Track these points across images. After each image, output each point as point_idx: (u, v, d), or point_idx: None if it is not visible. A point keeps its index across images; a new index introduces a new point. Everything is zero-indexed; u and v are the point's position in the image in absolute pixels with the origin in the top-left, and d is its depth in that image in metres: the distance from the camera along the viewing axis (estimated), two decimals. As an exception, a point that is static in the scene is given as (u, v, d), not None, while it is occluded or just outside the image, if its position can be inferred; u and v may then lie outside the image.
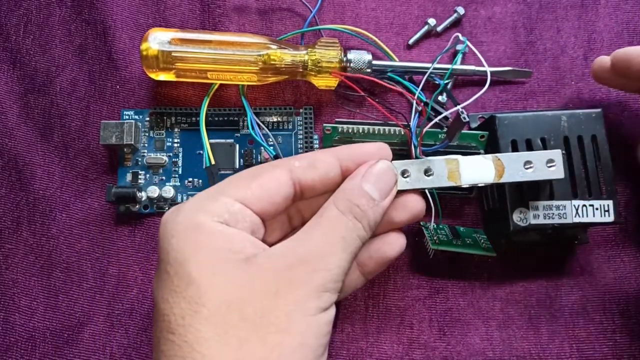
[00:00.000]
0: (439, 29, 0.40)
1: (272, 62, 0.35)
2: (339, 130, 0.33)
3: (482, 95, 0.38)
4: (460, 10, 0.40)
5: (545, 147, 0.33)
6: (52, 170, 0.38)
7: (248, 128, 0.37)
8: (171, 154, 0.38)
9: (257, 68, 0.35)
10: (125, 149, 0.37)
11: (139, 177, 0.37)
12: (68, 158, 0.38)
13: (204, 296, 0.23)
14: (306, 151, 0.37)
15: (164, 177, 0.38)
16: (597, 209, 0.32)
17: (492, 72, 0.38)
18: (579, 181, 0.33)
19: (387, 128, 0.33)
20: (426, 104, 0.37)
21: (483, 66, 0.37)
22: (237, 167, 0.38)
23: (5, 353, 0.35)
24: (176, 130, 0.38)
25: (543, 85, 0.39)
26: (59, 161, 0.38)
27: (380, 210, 0.28)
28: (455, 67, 0.38)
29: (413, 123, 0.32)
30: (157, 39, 0.35)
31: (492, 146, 0.34)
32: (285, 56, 0.36)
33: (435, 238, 0.34)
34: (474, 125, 0.38)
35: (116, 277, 0.36)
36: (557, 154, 0.30)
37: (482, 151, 0.34)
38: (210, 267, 0.24)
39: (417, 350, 0.35)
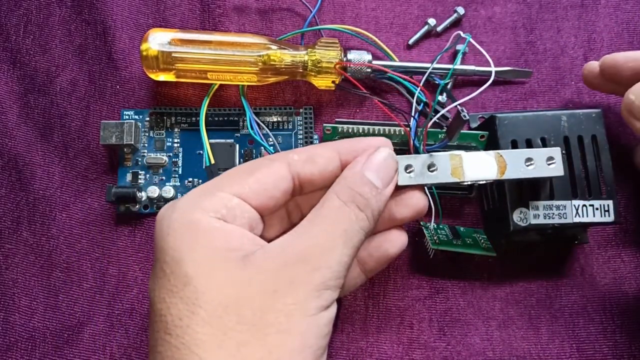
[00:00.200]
0: (439, 29, 0.40)
1: (272, 63, 0.35)
2: (339, 130, 0.33)
3: (482, 95, 0.39)
4: (460, 10, 0.40)
5: (545, 147, 0.33)
6: (52, 170, 0.38)
7: (248, 128, 0.37)
8: (171, 154, 0.38)
9: (257, 68, 0.35)
10: (125, 149, 0.37)
11: (139, 177, 0.37)
12: (68, 158, 0.38)
13: (201, 297, 0.23)
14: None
15: (164, 177, 0.38)
16: (597, 209, 0.32)
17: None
18: (579, 181, 0.33)
19: (387, 128, 0.33)
20: (426, 104, 0.37)
21: (485, 65, 0.37)
22: (237, 167, 0.38)
23: (5, 353, 0.35)
24: (176, 130, 0.38)
25: (543, 85, 0.39)
26: (59, 161, 0.38)
27: (383, 199, 0.27)
28: (455, 67, 0.38)
29: (413, 123, 0.32)
30: (157, 39, 0.35)
31: (492, 146, 0.34)
32: (285, 56, 0.36)
33: (435, 238, 0.34)
34: (474, 125, 0.38)
35: (116, 277, 0.36)
36: (556, 152, 0.30)
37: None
38: (208, 266, 0.23)
39: (417, 350, 0.35)
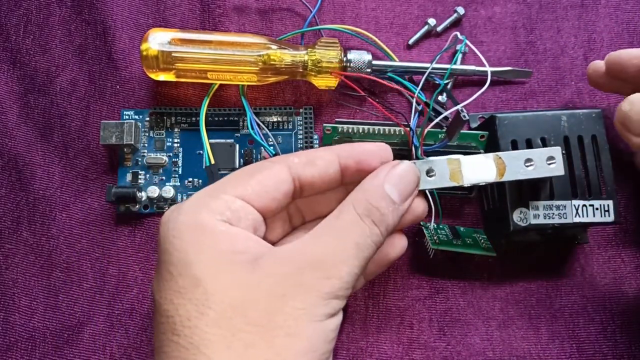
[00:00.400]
0: (439, 29, 0.40)
1: (272, 62, 0.35)
2: (339, 130, 0.33)
3: (482, 95, 0.39)
4: (460, 10, 0.40)
5: (545, 147, 0.33)
6: (52, 170, 0.38)
7: (248, 128, 0.37)
8: (171, 154, 0.38)
9: (257, 68, 0.35)
10: (125, 149, 0.37)
11: (139, 177, 0.37)
12: (68, 158, 0.38)
13: (211, 298, 0.23)
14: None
15: (164, 177, 0.38)
16: (597, 209, 0.32)
17: (492, 72, 0.38)
18: (579, 181, 0.33)
19: (387, 128, 0.33)
20: (427, 103, 0.37)
21: (483, 66, 0.37)
22: (237, 167, 0.38)
23: (5, 353, 0.35)
24: (176, 130, 0.38)
25: (543, 85, 0.39)
26: (59, 161, 0.38)
27: (399, 214, 0.27)
28: (454, 67, 0.38)
29: (413, 123, 0.32)
30: (157, 39, 0.35)
31: (492, 146, 0.34)
32: (285, 56, 0.36)
33: (435, 238, 0.34)
34: (474, 125, 0.38)
35: (116, 277, 0.36)
36: (556, 151, 0.30)
37: (482, 151, 0.34)
38: (216, 268, 0.23)
39: (417, 350, 0.35)
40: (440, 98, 0.38)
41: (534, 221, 0.32)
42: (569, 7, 0.41)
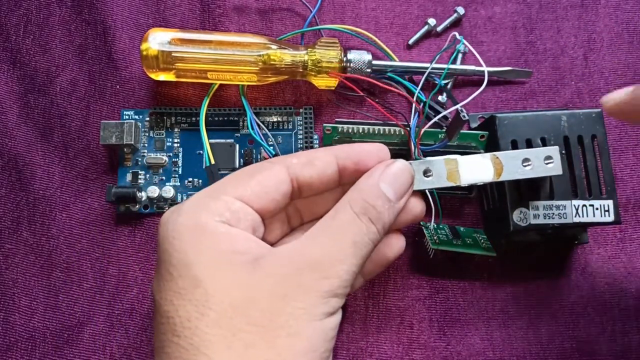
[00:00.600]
0: (439, 29, 0.40)
1: (272, 62, 0.35)
2: (339, 130, 0.33)
3: (482, 95, 0.39)
4: (460, 10, 0.40)
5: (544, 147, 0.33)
6: (52, 170, 0.38)
7: (248, 128, 0.37)
8: (171, 154, 0.38)
9: (257, 68, 0.35)
10: (125, 149, 0.37)
11: (139, 177, 0.37)
12: (68, 158, 0.38)
13: (211, 299, 0.23)
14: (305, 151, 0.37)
15: (164, 177, 0.38)
16: (597, 209, 0.32)
17: (492, 72, 0.38)
18: (579, 181, 0.33)
19: (387, 128, 0.33)
20: (425, 103, 0.37)
21: (486, 64, 0.37)
22: (237, 167, 0.38)
23: (5, 353, 0.35)
24: (176, 130, 0.38)
25: (543, 85, 0.39)
26: (59, 161, 0.38)
27: (395, 212, 0.27)
28: (453, 66, 0.38)
29: (413, 123, 0.32)
30: (157, 39, 0.35)
31: (492, 146, 0.34)
32: (285, 56, 0.36)
33: (435, 238, 0.34)
34: (473, 125, 0.38)
35: (116, 277, 0.36)
36: (554, 151, 0.30)
37: (482, 151, 0.34)
38: (216, 269, 0.24)
39: (417, 350, 0.35)
40: (440, 98, 0.38)
41: (534, 221, 0.32)
42: (569, 7, 0.41)
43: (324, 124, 0.33)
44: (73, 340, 0.35)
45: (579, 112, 0.33)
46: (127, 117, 0.38)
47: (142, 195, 0.37)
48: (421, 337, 0.35)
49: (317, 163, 0.27)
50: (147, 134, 0.38)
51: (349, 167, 0.28)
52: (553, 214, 0.32)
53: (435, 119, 0.33)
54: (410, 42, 0.40)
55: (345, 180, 0.28)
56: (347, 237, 0.25)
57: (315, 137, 0.38)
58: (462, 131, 0.33)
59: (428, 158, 0.30)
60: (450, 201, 0.38)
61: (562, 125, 0.33)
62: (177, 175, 0.38)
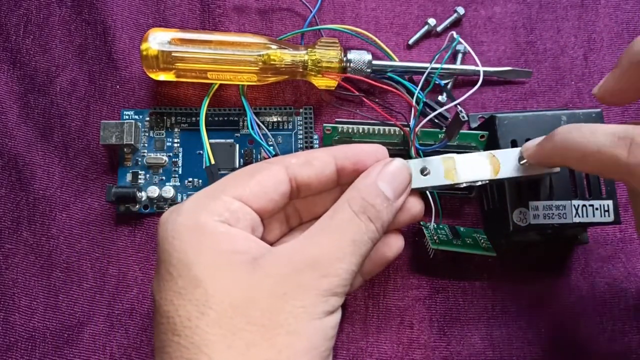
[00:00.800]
0: (439, 29, 0.40)
1: (272, 62, 0.35)
2: (339, 130, 0.33)
3: (482, 95, 0.39)
4: (460, 10, 0.40)
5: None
6: (52, 170, 0.38)
7: (248, 128, 0.37)
8: (171, 154, 0.38)
9: (257, 68, 0.35)
10: (125, 149, 0.37)
11: (139, 177, 0.37)
12: (68, 158, 0.38)
13: (211, 299, 0.23)
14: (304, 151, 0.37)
15: (164, 177, 0.38)
16: (597, 209, 0.32)
17: (492, 72, 0.38)
18: (579, 181, 0.33)
19: (386, 128, 0.33)
20: (424, 103, 0.37)
21: (487, 64, 0.37)
22: (237, 167, 0.38)
23: (5, 353, 0.35)
24: (176, 130, 0.38)
25: (543, 85, 0.39)
26: (59, 161, 0.38)
27: (393, 211, 0.27)
28: (450, 66, 0.38)
29: (412, 123, 0.32)
30: (157, 39, 0.35)
31: (492, 146, 0.34)
32: (285, 56, 0.36)
33: (435, 238, 0.34)
34: (474, 125, 0.38)
35: (116, 277, 0.36)
36: None
37: (481, 150, 0.34)
38: (216, 268, 0.24)
39: (417, 350, 0.35)
40: (440, 98, 0.38)
41: (533, 221, 0.32)
42: (569, 7, 0.41)
43: (324, 124, 0.33)
44: (73, 340, 0.35)
45: (579, 112, 0.33)
46: (127, 117, 0.38)
47: (142, 195, 0.37)
48: (421, 337, 0.35)
49: (315, 163, 0.28)
50: (147, 134, 0.38)
51: (347, 167, 0.28)
52: (553, 214, 0.32)
53: (431, 116, 0.33)
54: (410, 42, 0.40)
55: (343, 180, 0.28)
56: (346, 235, 0.25)
57: (315, 137, 0.38)
58: (462, 131, 0.33)
59: (425, 157, 0.30)
60: (450, 201, 0.38)
61: (562, 125, 0.33)
62: (177, 175, 0.38)
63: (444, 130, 0.34)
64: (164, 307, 0.24)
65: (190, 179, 0.38)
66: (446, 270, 0.37)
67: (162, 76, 0.36)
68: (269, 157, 0.36)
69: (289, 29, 0.40)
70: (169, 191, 0.37)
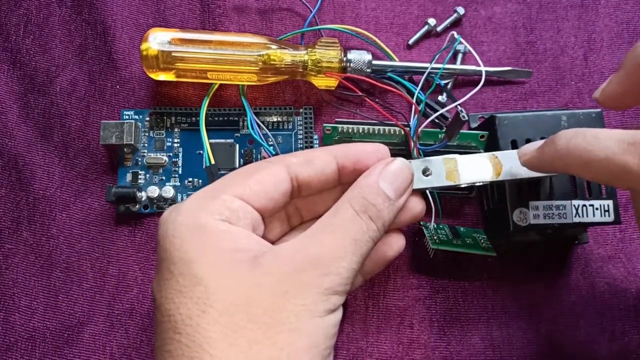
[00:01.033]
0: (439, 29, 0.40)
1: (272, 62, 0.35)
2: (339, 130, 0.33)
3: (482, 95, 0.39)
4: (460, 10, 0.40)
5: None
6: (52, 170, 0.38)
7: (248, 128, 0.37)
8: (171, 154, 0.38)
9: (257, 68, 0.35)
10: (125, 149, 0.37)
11: (139, 177, 0.37)
12: (68, 158, 0.38)
13: (212, 297, 0.23)
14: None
15: (164, 177, 0.38)
16: (597, 209, 0.32)
17: (492, 72, 0.38)
18: (579, 181, 0.33)
19: (387, 128, 0.33)
20: (424, 103, 0.37)
21: (487, 64, 0.37)
22: (237, 167, 0.38)
23: (5, 353, 0.35)
24: (176, 130, 0.38)
25: (543, 85, 0.39)
26: (59, 161, 0.38)
27: (395, 210, 0.27)
28: (451, 66, 0.38)
29: (413, 123, 0.32)
30: (157, 39, 0.35)
31: (492, 146, 0.34)
32: (285, 56, 0.36)
33: (435, 238, 0.34)
34: (474, 125, 0.38)
35: (116, 277, 0.36)
36: None
37: (482, 151, 0.34)
38: (217, 267, 0.24)
39: (417, 350, 0.35)
40: (440, 98, 0.38)
41: (533, 221, 0.32)
42: (569, 7, 0.41)
43: (324, 124, 0.33)
44: (73, 340, 0.35)
45: (579, 112, 0.33)
46: (127, 117, 0.38)
47: (142, 195, 0.37)
48: (421, 337, 0.35)
49: (316, 162, 0.28)
50: (147, 134, 0.38)
51: (348, 167, 0.28)
52: (553, 214, 0.32)
53: (433, 117, 0.33)
54: (410, 42, 0.40)
55: (344, 180, 0.28)
56: (348, 234, 0.25)
57: (315, 137, 0.38)
58: (462, 131, 0.33)
59: (427, 157, 0.30)
60: (450, 201, 0.38)
61: (562, 125, 0.33)
62: (177, 175, 0.38)
63: (444, 130, 0.34)
64: (164, 305, 0.24)
65: (190, 179, 0.38)
66: (446, 270, 0.37)
67: (162, 76, 0.36)
68: (270, 157, 0.36)
69: (289, 29, 0.40)
70: (169, 191, 0.37)
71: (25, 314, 0.36)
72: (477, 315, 0.36)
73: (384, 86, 0.36)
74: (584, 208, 0.32)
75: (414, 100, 0.36)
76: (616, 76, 0.26)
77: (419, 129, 0.32)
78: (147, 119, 0.38)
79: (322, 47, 0.36)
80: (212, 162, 0.37)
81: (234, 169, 0.37)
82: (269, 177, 0.27)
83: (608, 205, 0.32)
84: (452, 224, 0.36)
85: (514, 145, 0.33)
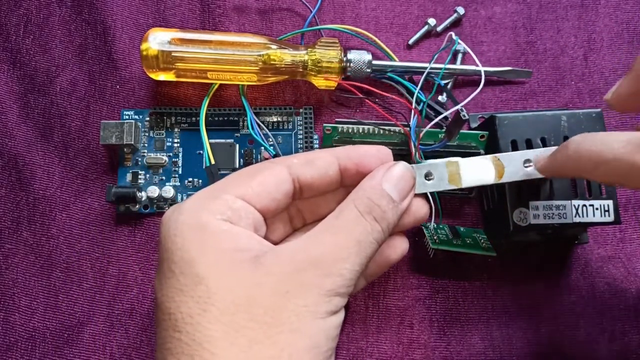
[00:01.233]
0: (439, 29, 0.40)
1: (272, 62, 0.35)
2: (339, 130, 0.33)
3: (482, 95, 0.39)
4: (460, 10, 0.40)
5: (545, 147, 0.33)
6: (52, 170, 0.38)
7: (248, 128, 0.37)
8: (171, 154, 0.38)
9: (257, 68, 0.35)
10: (125, 149, 0.37)
11: (139, 177, 0.37)
12: (68, 158, 0.38)
13: (213, 296, 0.23)
14: (306, 151, 0.37)
15: (164, 177, 0.38)
16: (597, 208, 0.32)
17: (492, 72, 0.38)
18: (579, 181, 0.33)
19: (387, 128, 0.33)
20: (424, 103, 0.37)
21: (487, 64, 0.37)
22: (237, 167, 0.38)
23: (5, 353, 0.35)
24: (176, 130, 0.38)
25: (543, 85, 0.39)
26: (59, 161, 0.38)
27: (398, 213, 0.27)
28: (451, 66, 0.38)
29: (413, 123, 0.32)
30: (157, 39, 0.35)
31: (492, 146, 0.34)
32: (285, 56, 0.36)
33: (435, 238, 0.34)
34: (474, 125, 0.38)
35: (116, 277, 0.36)
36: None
37: (482, 151, 0.34)
38: (218, 266, 0.24)
39: (417, 350, 0.35)
40: (440, 98, 0.38)
41: (533, 221, 0.32)
42: (569, 7, 0.41)
43: (324, 124, 0.33)
44: (73, 340, 0.35)
45: (579, 112, 0.33)
46: (127, 117, 0.38)
47: (142, 195, 0.37)
48: (421, 337, 0.35)
49: (318, 163, 0.28)
50: (147, 134, 0.38)
51: (351, 169, 0.28)
52: (553, 214, 0.32)
53: (437, 120, 0.33)
54: (410, 42, 0.40)
55: (347, 182, 0.28)
56: (351, 235, 0.25)
57: (315, 137, 0.38)
58: (462, 131, 0.33)
59: (429, 161, 0.30)
60: (450, 201, 0.38)
61: (562, 125, 0.33)
62: (177, 175, 0.38)
63: (444, 130, 0.34)
64: (165, 304, 0.24)
65: (190, 179, 0.38)
66: (446, 270, 0.37)
67: (162, 76, 0.36)
68: (270, 157, 0.36)
69: (289, 29, 0.40)
70: (169, 191, 0.37)
71: (25, 314, 0.36)
72: (477, 315, 0.36)
73: (384, 93, 0.36)
74: (584, 208, 0.32)
75: (414, 101, 0.35)
76: (627, 78, 0.26)
77: (422, 134, 0.32)
78: (147, 119, 0.38)
79: (322, 47, 0.36)
80: (212, 162, 0.37)
81: (234, 169, 0.37)
82: (270, 177, 0.27)
83: (608, 205, 0.32)
84: (452, 224, 0.36)
85: (514, 146, 0.33)
